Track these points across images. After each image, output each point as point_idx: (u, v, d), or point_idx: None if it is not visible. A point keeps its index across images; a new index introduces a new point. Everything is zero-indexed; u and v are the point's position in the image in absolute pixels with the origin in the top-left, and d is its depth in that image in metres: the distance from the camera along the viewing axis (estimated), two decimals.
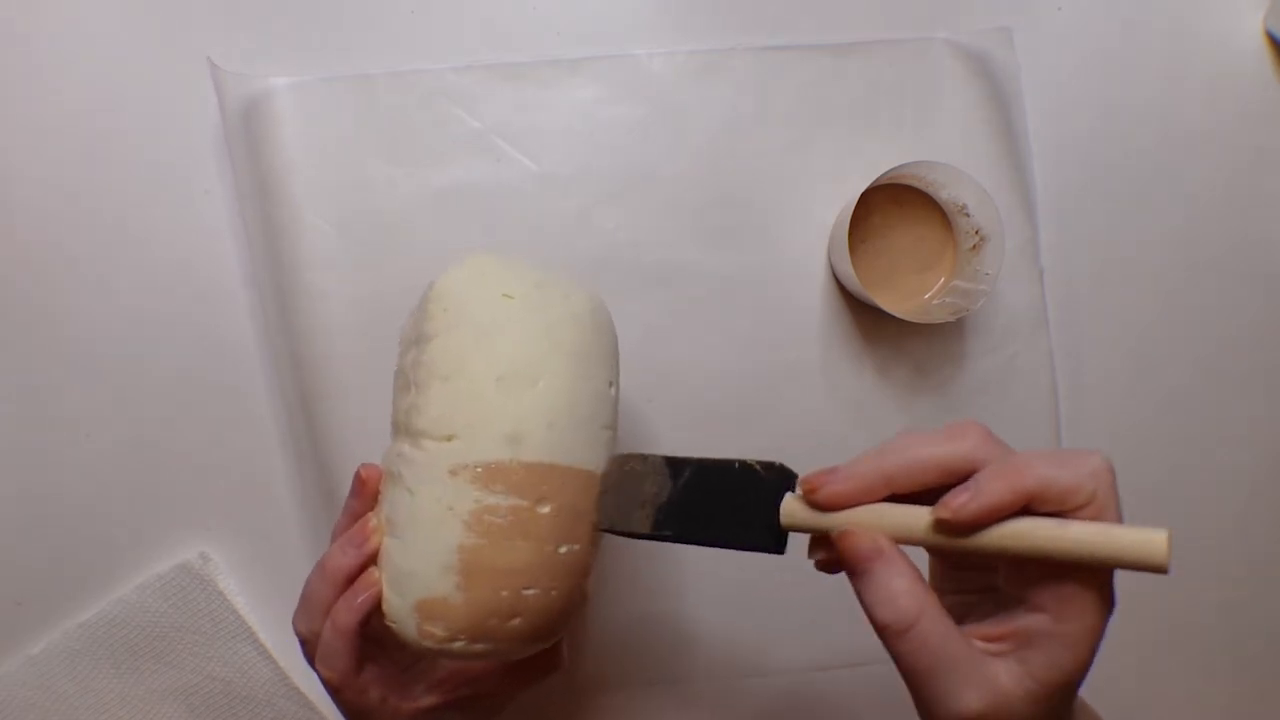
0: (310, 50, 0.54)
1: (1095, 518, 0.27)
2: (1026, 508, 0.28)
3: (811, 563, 0.32)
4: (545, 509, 0.35)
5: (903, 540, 0.29)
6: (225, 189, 0.53)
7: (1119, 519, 0.28)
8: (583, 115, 0.53)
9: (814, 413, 0.53)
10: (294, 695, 0.51)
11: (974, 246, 0.51)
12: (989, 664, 0.28)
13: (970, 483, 0.28)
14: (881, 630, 0.29)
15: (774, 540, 0.32)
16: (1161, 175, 0.56)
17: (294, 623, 0.39)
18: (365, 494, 0.38)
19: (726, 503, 0.33)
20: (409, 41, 0.54)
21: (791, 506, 0.31)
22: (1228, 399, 0.56)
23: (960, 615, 0.31)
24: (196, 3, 0.53)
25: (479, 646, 0.35)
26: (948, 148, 0.53)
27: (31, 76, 0.53)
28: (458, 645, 0.34)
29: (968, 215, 0.50)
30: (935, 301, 0.53)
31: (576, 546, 0.36)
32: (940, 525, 0.28)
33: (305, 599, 0.38)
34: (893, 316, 0.49)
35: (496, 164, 0.53)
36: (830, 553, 0.31)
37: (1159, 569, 0.26)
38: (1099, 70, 0.56)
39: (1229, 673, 0.56)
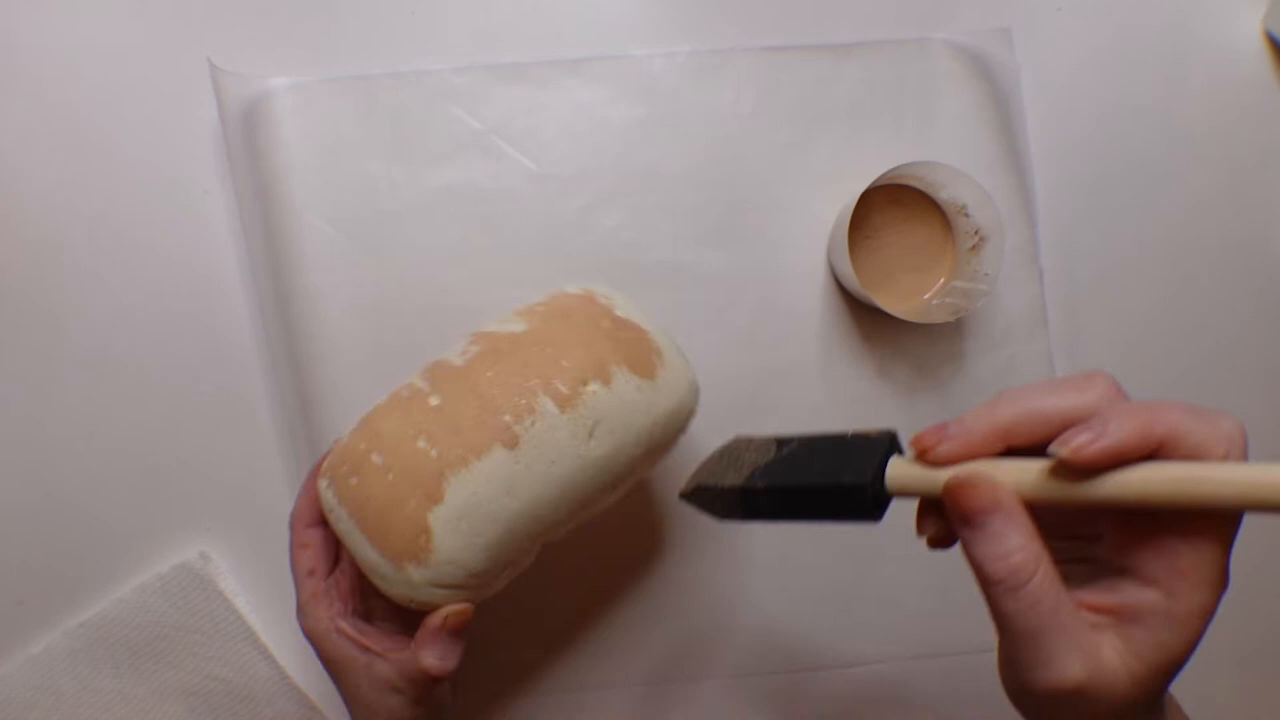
0: (310, 50, 0.54)
1: None
2: (1153, 456, 0.25)
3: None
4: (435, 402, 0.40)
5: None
6: (225, 189, 0.53)
7: None
8: (583, 115, 0.53)
9: (814, 413, 0.53)
10: (294, 695, 0.51)
11: (973, 247, 0.51)
12: (1092, 634, 0.26)
13: (1093, 422, 0.25)
14: (992, 586, 0.27)
15: (872, 508, 0.29)
16: (1161, 175, 0.56)
17: (298, 618, 0.40)
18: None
19: (825, 468, 0.31)
20: (409, 41, 0.54)
21: (899, 469, 0.29)
22: (1228, 399, 0.56)
23: None
24: (196, 3, 0.53)
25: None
26: (947, 148, 0.53)
27: (32, 76, 0.53)
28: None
29: (967, 215, 0.50)
30: (935, 301, 0.53)
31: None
32: (1058, 469, 0.26)
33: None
34: (892, 316, 0.49)
35: (496, 164, 0.53)
36: (940, 525, 0.29)
37: None
38: (1099, 70, 0.56)
39: (1228, 673, 0.55)
